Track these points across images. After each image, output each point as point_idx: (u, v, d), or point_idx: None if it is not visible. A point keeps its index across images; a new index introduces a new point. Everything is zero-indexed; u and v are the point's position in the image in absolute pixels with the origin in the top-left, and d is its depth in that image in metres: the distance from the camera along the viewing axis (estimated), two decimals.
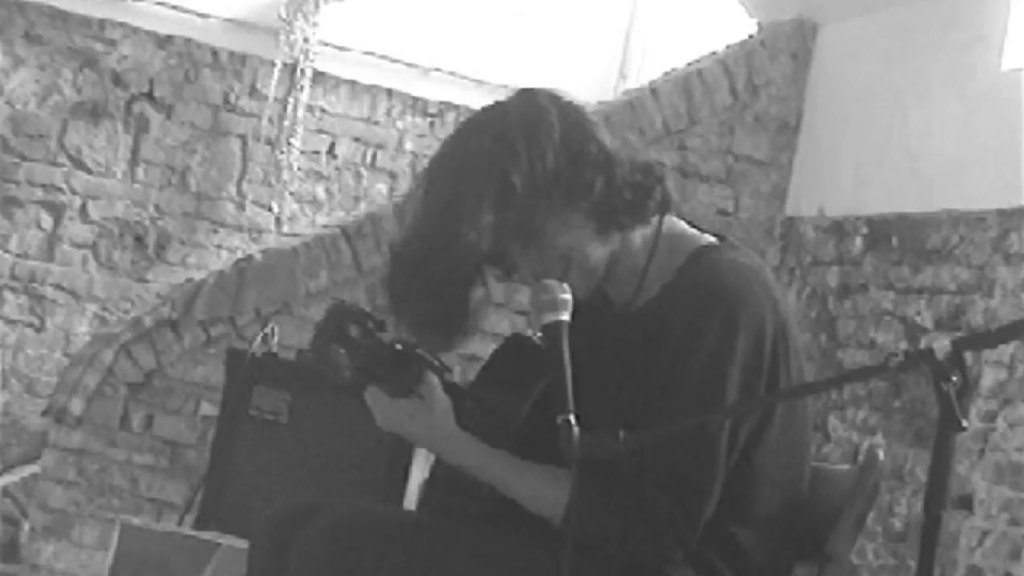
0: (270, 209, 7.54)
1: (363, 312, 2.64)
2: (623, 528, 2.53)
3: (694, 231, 2.73)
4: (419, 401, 2.60)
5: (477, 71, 7.58)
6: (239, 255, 6.77)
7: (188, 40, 7.43)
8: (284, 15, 7.40)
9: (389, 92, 7.66)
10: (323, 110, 7.61)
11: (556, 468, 2.49)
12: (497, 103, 2.69)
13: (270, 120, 7.45)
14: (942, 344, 2.13)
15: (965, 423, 2.11)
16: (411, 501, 4.56)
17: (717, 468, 2.53)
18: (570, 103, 2.66)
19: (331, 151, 7.64)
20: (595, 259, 2.63)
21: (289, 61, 7.42)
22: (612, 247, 2.64)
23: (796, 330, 2.67)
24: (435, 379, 2.61)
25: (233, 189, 7.52)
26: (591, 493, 2.52)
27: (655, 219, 2.68)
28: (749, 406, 2.56)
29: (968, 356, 2.12)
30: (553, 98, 2.65)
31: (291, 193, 7.55)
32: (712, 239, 2.71)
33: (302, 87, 7.46)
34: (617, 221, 2.62)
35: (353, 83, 7.64)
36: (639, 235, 2.67)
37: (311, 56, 7.45)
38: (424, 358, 2.61)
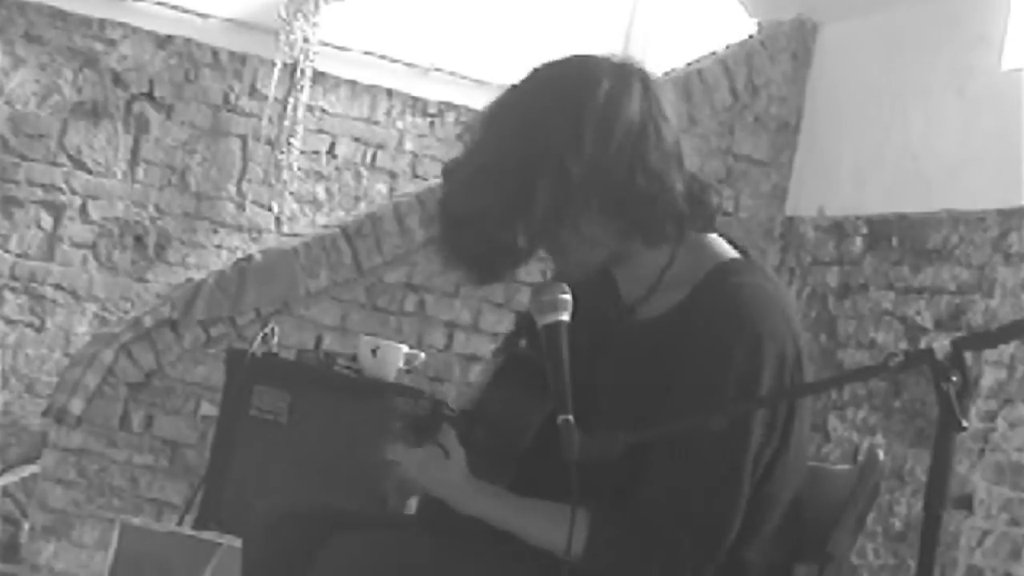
0: (270, 209, 7.54)
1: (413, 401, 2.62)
2: (644, 566, 2.48)
3: (720, 242, 2.63)
4: (433, 451, 2.55)
5: (477, 71, 7.58)
6: (239, 255, 6.77)
7: (188, 40, 7.43)
8: (284, 15, 7.40)
9: (389, 92, 7.66)
10: (323, 110, 7.61)
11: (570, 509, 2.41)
12: (588, 62, 2.53)
13: (270, 120, 7.45)
14: (942, 344, 2.12)
15: (965, 423, 2.11)
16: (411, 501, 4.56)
17: (739, 504, 2.49)
18: (658, 97, 2.52)
19: (331, 151, 7.64)
20: (600, 257, 2.57)
21: (289, 61, 7.42)
22: (627, 249, 2.56)
23: (807, 357, 2.59)
24: (451, 431, 2.56)
25: (233, 189, 7.52)
26: (610, 530, 2.49)
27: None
28: (748, 407, 2.55)
29: (968, 356, 2.12)
30: (646, 87, 2.51)
31: (291, 193, 7.55)
32: (734, 253, 2.62)
33: (302, 87, 7.46)
34: (646, 234, 2.54)
35: (353, 83, 7.64)
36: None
37: (311, 56, 7.45)
38: (440, 408, 2.57)
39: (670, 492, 2.47)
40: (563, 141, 2.46)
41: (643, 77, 2.53)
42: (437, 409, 2.58)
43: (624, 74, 2.52)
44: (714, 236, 2.65)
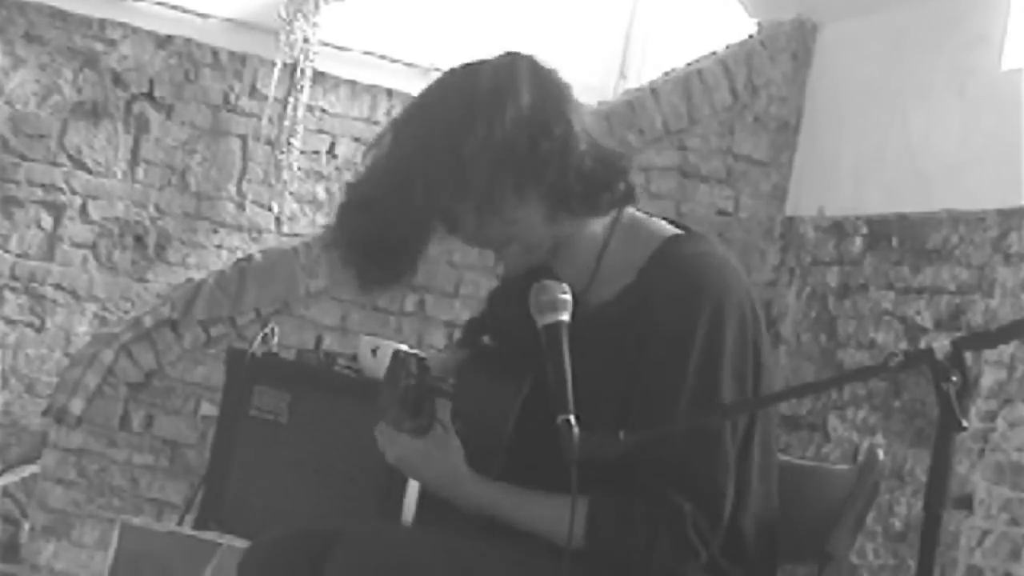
0: (270, 209, 7.54)
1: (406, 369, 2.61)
2: (648, 540, 2.50)
3: (656, 221, 2.70)
4: (432, 444, 2.56)
5: None
6: (239, 255, 6.77)
7: (188, 40, 7.43)
8: (284, 15, 7.39)
9: (389, 92, 7.66)
10: (323, 110, 7.61)
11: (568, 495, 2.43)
12: (478, 61, 2.66)
13: (270, 120, 7.44)
14: (942, 344, 2.12)
15: (965, 423, 2.11)
16: (411, 500, 4.56)
17: (729, 464, 2.53)
18: (550, 77, 2.62)
19: (331, 151, 7.65)
20: (538, 238, 2.61)
21: (289, 61, 7.42)
22: (561, 230, 2.61)
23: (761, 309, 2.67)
24: (447, 405, 2.57)
25: (233, 189, 7.52)
26: (609, 509, 2.51)
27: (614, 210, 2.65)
28: (749, 406, 2.56)
29: (968, 356, 2.12)
30: (534, 68, 2.61)
31: (291, 193, 7.55)
32: (675, 230, 2.68)
33: (302, 87, 7.46)
34: (568, 207, 2.59)
35: (353, 83, 7.64)
36: (598, 223, 2.65)
37: (311, 56, 7.45)
38: (435, 386, 2.57)
39: (659, 461, 2.50)
40: (455, 125, 2.54)
41: (530, 61, 2.63)
42: (428, 383, 2.56)
43: (509, 59, 2.63)
44: (649, 216, 2.71)
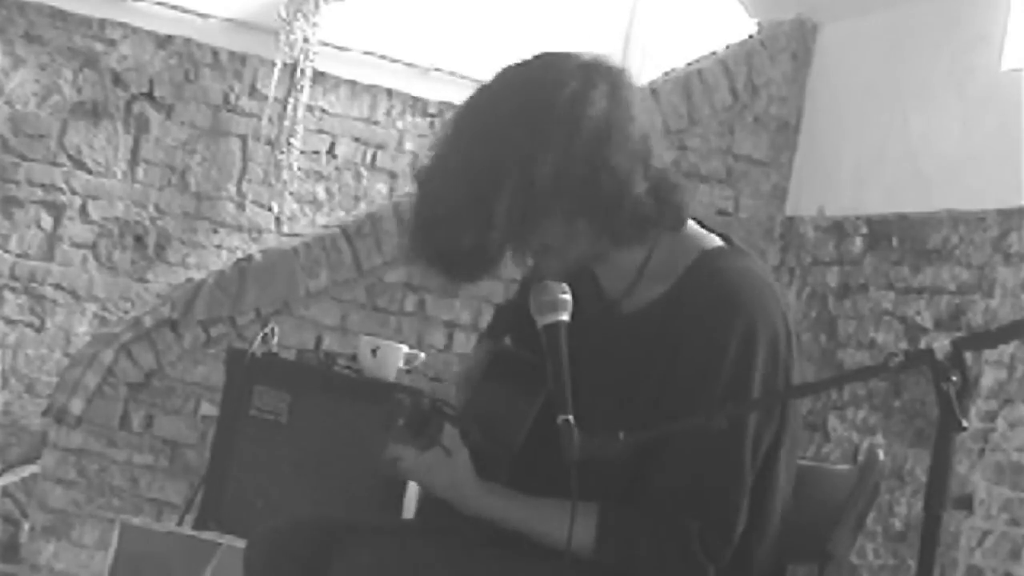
0: (270, 209, 7.54)
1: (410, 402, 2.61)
2: (658, 556, 2.49)
3: (700, 231, 2.65)
4: (440, 454, 2.55)
5: (477, 71, 7.57)
6: (239, 255, 6.77)
7: (188, 40, 7.43)
8: (284, 15, 7.40)
9: (389, 92, 7.66)
10: (323, 110, 7.61)
11: (579, 503, 2.42)
12: (554, 63, 2.54)
13: (270, 120, 7.44)
14: (942, 344, 2.12)
15: (965, 423, 2.11)
16: (411, 500, 4.56)
17: (744, 485, 2.50)
18: (625, 97, 2.51)
19: (331, 151, 7.64)
20: (578, 254, 2.56)
21: (289, 61, 7.42)
22: (604, 248, 2.57)
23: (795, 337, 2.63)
24: (455, 432, 2.56)
25: (233, 189, 7.52)
26: (619, 522, 2.50)
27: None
28: (747, 408, 2.55)
29: (968, 356, 2.12)
30: (613, 88, 2.51)
31: (291, 193, 7.54)
32: (718, 241, 2.64)
33: (302, 87, 7.46)
34: (613, 234, 2.54)
35: (353, 83, 7.64)
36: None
37: (311, 56, 7.45)
38: (442, 411, 2.57)
39: (673, 480, 2.48)
40: (527, 145, 2.45)
41: (611, 77, 2.52)
42: (437, 408, 2.57)
43: (590, 75, 2.51)
44: (693, 226, 2.65)
